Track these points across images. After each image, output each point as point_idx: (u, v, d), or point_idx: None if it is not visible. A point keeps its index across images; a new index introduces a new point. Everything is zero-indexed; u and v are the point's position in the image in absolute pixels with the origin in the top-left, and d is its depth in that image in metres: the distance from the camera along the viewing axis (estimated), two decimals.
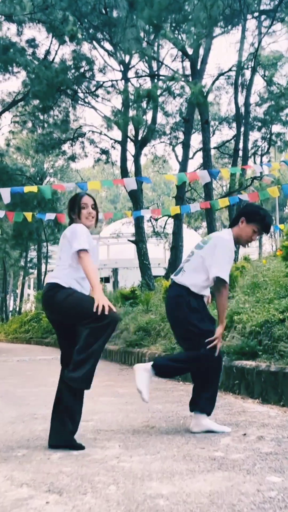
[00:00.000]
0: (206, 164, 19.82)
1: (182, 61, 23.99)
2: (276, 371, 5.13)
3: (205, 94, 17.75)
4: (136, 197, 21.04)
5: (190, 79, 20.44)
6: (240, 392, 5.77)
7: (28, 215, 11.65)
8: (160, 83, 21.92)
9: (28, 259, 45.84)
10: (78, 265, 3.65)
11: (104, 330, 3.52)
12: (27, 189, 11.55)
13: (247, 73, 23.58)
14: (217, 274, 3.92)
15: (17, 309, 49.83)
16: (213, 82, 22.98)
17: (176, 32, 19.77)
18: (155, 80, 22.34)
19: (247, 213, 4.14)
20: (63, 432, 3.57)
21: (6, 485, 2.74)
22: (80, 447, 3.51)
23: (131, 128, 22.12)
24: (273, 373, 5.16)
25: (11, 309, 59.14)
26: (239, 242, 4.18)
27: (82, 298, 3.64)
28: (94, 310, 3.43)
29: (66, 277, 3.69)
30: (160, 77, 22.39)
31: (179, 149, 27.68)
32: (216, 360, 4.01)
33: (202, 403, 4.03)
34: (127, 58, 22.64)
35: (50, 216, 12.27)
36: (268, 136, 27.53)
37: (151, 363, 4.03)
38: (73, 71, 21.64)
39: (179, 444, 3.61)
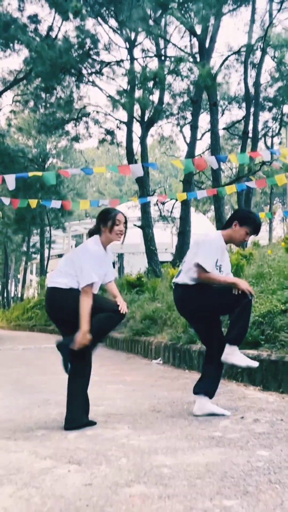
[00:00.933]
0: (214, 147, 20.20)
1: (190, 39, 24.12)
2: (276, 360, 5.67)
3: (213, 76, 18.05)
4: (142, 180, 21.37)
5: (198, 58, 20.68)
6: (243, 380, 6.33)
7: (33, 202, 11.93)
8: (167, 63, 22.10)
9: (31, 244, 46.33)
10: None
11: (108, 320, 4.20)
12: (31, 174, 11.88)
13: (257, 53, 23.79)
14: (198, 260, 4.54)
15: (19, 295, 50.35)
16: (222, 63, 23.24)
17: (184, 10, 19.99)
18: (162, 60, 22.51)
19: (240, 217, 4.77)
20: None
21: (31, 458, 3.36)
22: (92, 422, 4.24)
23: (137, 108, 22.32)
24: (274, 362, 5.69)
25: (12, 295, 59.73)
26: (232, 242, 4.84)
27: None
28: (75, 348, 4.09)
29: (67, 280, 4.28)
30: (168, 58, 22.55)
31: (187, 130, 27.91)
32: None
33: (206, 386, 4.67)
34: (133, 35, 22.73)
35: (56, 204, 12.63)
36: (279, 116, 27.71)
37: (227, 345, 4.63)
38: (77, 48, 21.73)
39: (182, 425, 4.21)
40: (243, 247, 13.43)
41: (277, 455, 3.25)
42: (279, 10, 22.27)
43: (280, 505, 2.42)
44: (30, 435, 4.00)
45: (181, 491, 2.64)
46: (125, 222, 4.42)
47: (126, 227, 4.43)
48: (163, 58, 22.74)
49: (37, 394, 6.07)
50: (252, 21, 22.86)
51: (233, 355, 4.57)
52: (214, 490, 2.64)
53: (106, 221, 4.35)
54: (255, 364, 4.70)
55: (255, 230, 4.74)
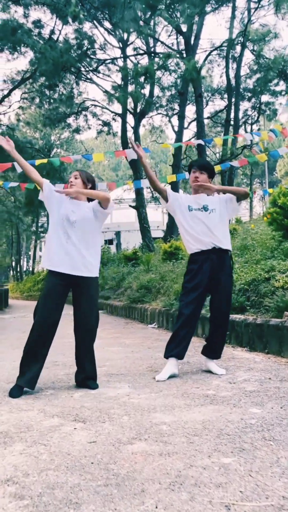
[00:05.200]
0: (200, 134, 19.88)
1: (177, 37, 23.70)
2: (261, 323, 5.51)
3: (198, 69, 17.65)
4: (136, 166, 21.16)
5: (184, 54, 20.29)
6: (231, 342, 6.18)
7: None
8: (157, 60, 21.74)
9: (39, 225, 46.23)
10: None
11: None
12: (38, 162, 11.71)
13: (238, 48, 23.36)
14: None
15: (30, 269, 50.33)
16: (206, 58, 22.76)
17: (171, 11, 19.52)
18: (152, 57, 22.17)
19: (188, 170, 4.84)
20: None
21: (40, 416, 3.17)
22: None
23: (130, 102, 22.07)
24: (259, 325, 5.54)
25: (24, 269, 59.69)
26: (195, 190, 4.54)
27: None
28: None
29: None
30: (157, 55, 22.19)
31: (175, 120, 27.59)
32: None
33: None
34: (125, 35, 22.42)
35: (59, 186, 12.47)
36: (258, 105, 27.37)
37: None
38: (76, 49, 21.48)
39: (178, 384, 4.03)
40: None
41: (269, 413, 3.07)
42: (256, 8, 21.74)
43: (276, 462, 2.24)
44: (40, 395, 3.81)
45: (180, 448, 2.45)
46: (80, 176, 4.22)
47: (82, 179, 4.22)
48: (152, 55, 22.32)
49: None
50: (233, 17, 22.35)
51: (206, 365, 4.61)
52: (212, 447, 2.45)
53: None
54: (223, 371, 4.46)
55: (195, 164, 4.53)
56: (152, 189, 25.78)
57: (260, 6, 21.85)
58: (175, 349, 4.32)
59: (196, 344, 6.47)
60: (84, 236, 4.03)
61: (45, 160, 11.97)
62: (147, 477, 2.11)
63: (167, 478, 2.09)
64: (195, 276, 4.37)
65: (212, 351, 4.54)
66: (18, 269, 52.32)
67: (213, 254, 4.37)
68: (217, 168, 12.57)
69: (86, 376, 4.03)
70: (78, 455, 2.42)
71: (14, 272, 56.23)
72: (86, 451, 2.46)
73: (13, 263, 58.94)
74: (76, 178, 4.19)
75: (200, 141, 12.45)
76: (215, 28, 63.40)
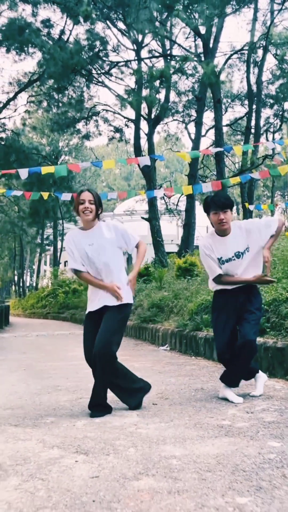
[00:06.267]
0: (218, 142, 19.92)
1: (195, 40, 23.88)
2: (282, 347, 5.42)
3: (217, 74, 17.74)
4: (149, 175, 21.21)
5: (203, 58, 20.41)
6: None
7: (45, 194, 11.81)
8: (173, 63, 21.88)
9: (45, 237, 46.39)
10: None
11: None
12: (44, 170, 11.75)
13: (259, 52, 23.44)
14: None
15: (34, 284, 50.45)
16: (225, 61, 22.91)
17: (189, 11, 19.67)
18: (168, 60, 22.30)
19: (204, 209, 4.52)
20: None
21: (39, 447, 3.11)
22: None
23: (144, 107, 22.12)
24: (280, 349, 5.45)
25: (28, 284, 59.82)
26: (219, 230, 4.47)
27: None
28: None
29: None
30: (173, 57, 22.33)
31: (191, 127, 27.68)
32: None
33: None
34: (140, 37, 22.57)
35: (66, 196, 12.48)
36: (281, 113, 27.43)
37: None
38: (87, 50, 21.65)
39: (191, 413, 3.96)
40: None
41: None
42: (280, 10, 21.85)
43: None
44: (39, 423, 3.76)
45: (191, 486, 2.39)
46: (93, 200, 4.10)
47: (96, 203, 4.11)
48: (169, 58, 22.46)
49: (47, 380, 5.84)
50: (255, 19, 22.45)
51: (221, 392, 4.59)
52: (226, 485, 2.38)
53: (75, 207, 4.18)
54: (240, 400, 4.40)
55: (215, 205, 4.39)
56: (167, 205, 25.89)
57: (284, 8, 21.97)
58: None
59: (211, 368, 6.39)
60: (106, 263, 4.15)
61: (52, 169, 11.97)
62: None
63: None
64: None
65: (232, 378, 4.48)
66: (21, 284, 52.47)
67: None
68: (237, 180, 12.56)
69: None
70: (78, 491, 2.36)
71: (17, 287, 56.37)
72: (87, 487, 2.40)
73: (16, 278, 59.13)
74: (91, 203, 4.08)
75: (219, 149, 12.49)
76: (236, 31, 63.93)
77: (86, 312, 4.29)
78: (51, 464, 2.76)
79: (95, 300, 4.14)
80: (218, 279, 4.47)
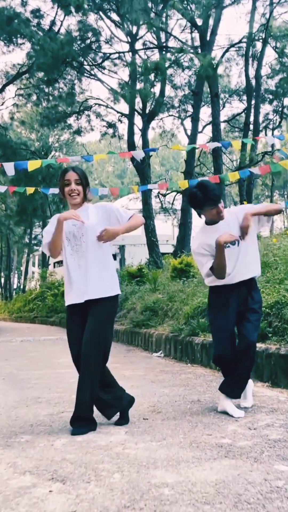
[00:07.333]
0: (216, 138, 19.69)
1: (191, 32, 23.64)
2: (286, 354, 5.12)
3: (214, 66, 17.49)
4: (143, 172, 20.96)
5: (199, 51, 20.20)
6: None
7: (30, 190, 11.48)
8: (169, 55, 21.65)
9: (33, 236, 46.00)
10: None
11: None
12: (31, 164, 11.41)
13: (258, 45, 23.26)
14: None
15: (21, 287, 50.16)
16: (223, 54, 22.70)
17: (185, 2, 19.44)
18: (163, 52, 22.06)
19: (194, 205, 4.22)
20: None
21: (9, 472, 2.76)
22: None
23: (138, 101, 21.96)
24: (283, 356, 5.15)
25: (15, 287, 59.40)
26: (214, 221, 4.22)
27: None
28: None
29: None
30: (169, 49, 22.10)
31: (187, 123, 27.45)
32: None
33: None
34: (134, 29, 22.43)
35: (54, 190, 12.14)
36: (280, 109, 27.17)
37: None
38: (79, 42, 21.44)
39: (186, 430, 3.62)
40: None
41: None
42: (279, 1, 21.67)
43: None
44: (13, 442, 3.41)
45: None
46: (79, 179, 3.80)
47: (82, 184, 3.82)
48: (164, 50, 22.22)
49: (27, 390, 5.50)
50: (254, 9, 22.24)
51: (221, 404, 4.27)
52: None
53: (60, 188, 3.87)
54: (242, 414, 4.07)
55: (212, 201, 4.09)
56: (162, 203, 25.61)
57: (283, 0, 21.80)
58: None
59: (209, 377, 6.08)
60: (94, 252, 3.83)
61: (39, 163, 11.65)
62: None
63: None
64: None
65: (233, 387, 4.16)
66: (8, 287, 52.05)
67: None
68: (235, 176, 12.28)
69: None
70: None
71: (3, 290, 55.94)
72: None
73: (2, 280, 58.66)
74: (78, 184, 3.80)
75: (216, 144, 12.19)
76: (234, 24, 63.84)
77: (65, 305, 3.90)
78: (20, 495, 2.41)
79: (73, 291, 3.81)
80: (215, 275, 4.17)
